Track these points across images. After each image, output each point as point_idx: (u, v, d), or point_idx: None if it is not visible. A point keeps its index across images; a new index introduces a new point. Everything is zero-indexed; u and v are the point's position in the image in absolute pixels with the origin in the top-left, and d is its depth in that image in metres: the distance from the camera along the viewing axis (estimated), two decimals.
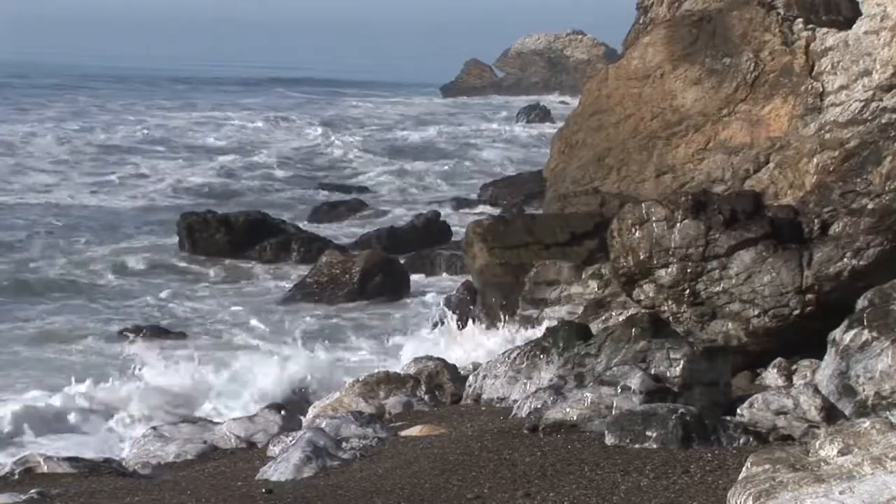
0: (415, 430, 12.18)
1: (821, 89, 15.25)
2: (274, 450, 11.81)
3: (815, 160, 14.86)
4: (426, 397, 14.23)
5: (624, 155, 17.42)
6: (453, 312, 19.91)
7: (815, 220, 13.69)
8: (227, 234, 25.85)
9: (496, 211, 29.97)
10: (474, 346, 16.79)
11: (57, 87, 73.42)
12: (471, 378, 14.03)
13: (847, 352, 11.16)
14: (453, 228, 28.12)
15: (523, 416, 11.78)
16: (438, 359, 15.46)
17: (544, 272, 16.15)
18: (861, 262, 13.26)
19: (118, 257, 26.02)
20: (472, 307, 19.31)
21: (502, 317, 16.99)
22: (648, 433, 10.31)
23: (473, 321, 18.78)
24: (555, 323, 14.47)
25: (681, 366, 11.59)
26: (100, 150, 44.43)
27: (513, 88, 76.32)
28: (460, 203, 33.57)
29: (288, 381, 16.33)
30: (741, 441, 10.38)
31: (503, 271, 17.44)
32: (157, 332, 19.65)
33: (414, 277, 23.64)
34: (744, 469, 7.67)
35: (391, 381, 14.50)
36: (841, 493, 6.94)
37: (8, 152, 42.42)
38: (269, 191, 36.88)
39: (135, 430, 14.56)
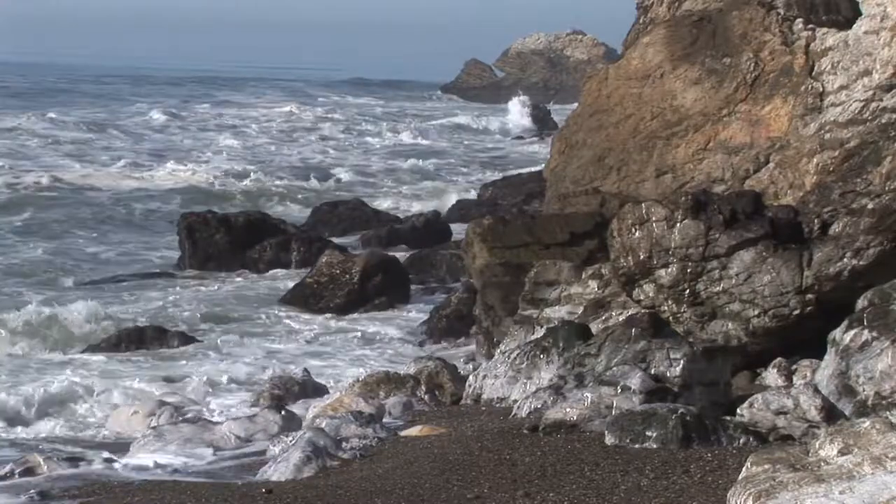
0: (415, 430, 12.18)
1: (821, 89, 15.23)
2: (274, 450, 11.82)
3: (815, 160, 14.84)
4: (426, 397, 14.23)
5: (624, 155, 17.38)
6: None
7: (815, 220, 13.68)
8: (227, 234, 25.84)
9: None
10: None
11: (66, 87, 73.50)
12: (471, 378, 14.02)
13: (847, 352, 11.16)
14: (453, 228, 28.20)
15: (523, 416, 11.78)
16: (438, 359, 15.45)
17: (544, 272, 16.14)
18: (861, 262, 13.25)
19: (114, 254, 26.10)
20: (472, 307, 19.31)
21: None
22: (648, 433, 10.31)
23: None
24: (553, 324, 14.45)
25: (681, 366, 11.58)
26: (106, 147, 44.67)
27: (512, 88, 76.29)
28: (460, 203, 33.53)
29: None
30: (741, 441, 10.38)
31: (503, 271, 17.42)
32: (156, 333, 19.65)
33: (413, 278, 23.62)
34: (744, 469, 7.67)
35: (391, 381, 14.49)
36: (841, 493, 6.95)
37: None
38: (271, 191, 36.92)
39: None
